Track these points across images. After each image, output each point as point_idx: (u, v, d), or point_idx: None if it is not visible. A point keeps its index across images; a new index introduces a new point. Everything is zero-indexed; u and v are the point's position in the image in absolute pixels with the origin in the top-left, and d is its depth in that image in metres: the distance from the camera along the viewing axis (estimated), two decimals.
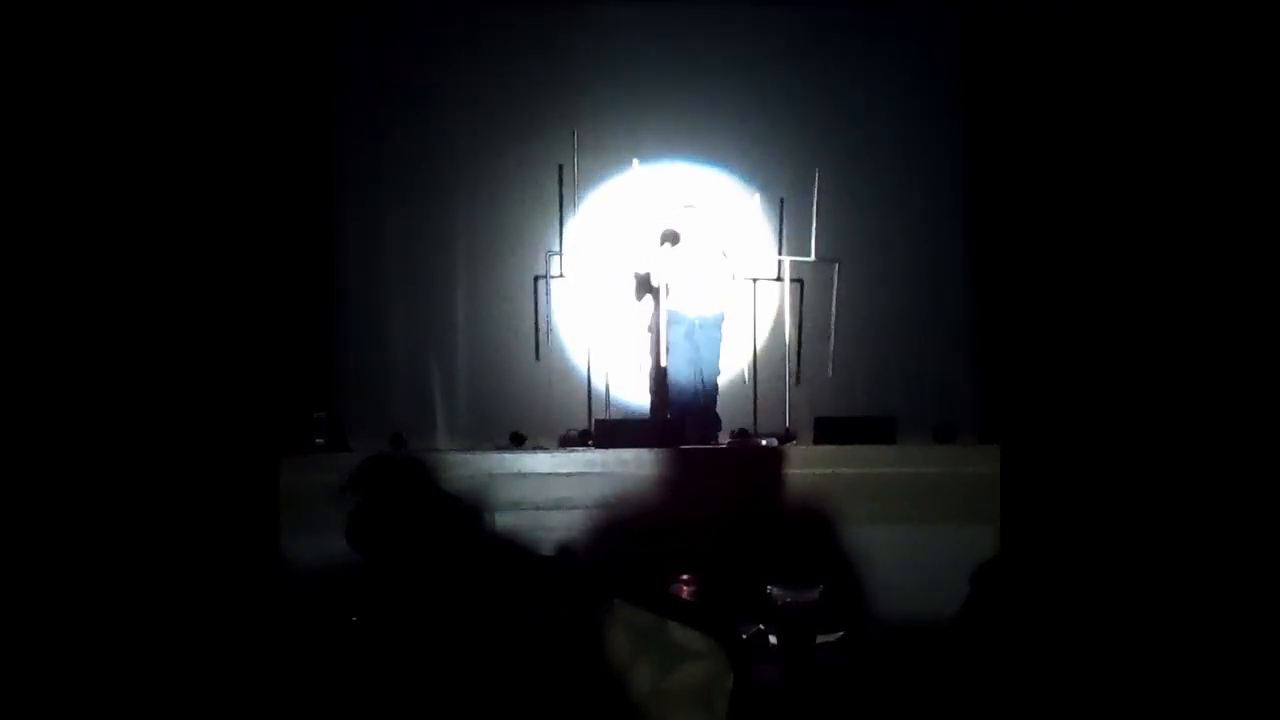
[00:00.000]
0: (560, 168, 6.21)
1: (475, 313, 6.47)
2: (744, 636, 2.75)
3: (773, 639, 2.90)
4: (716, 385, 5.82)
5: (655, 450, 4.39)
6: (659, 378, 5.84)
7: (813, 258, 6.15)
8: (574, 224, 6.19)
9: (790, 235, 6.32)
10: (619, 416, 5.88)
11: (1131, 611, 1.58)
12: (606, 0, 6.60)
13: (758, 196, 6.42)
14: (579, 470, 4.28)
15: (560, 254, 6.14)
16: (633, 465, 4.27)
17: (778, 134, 6.56)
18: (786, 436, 5.70)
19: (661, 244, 6.00)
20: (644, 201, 6.22)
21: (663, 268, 5.75)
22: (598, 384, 6.14)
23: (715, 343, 5.79)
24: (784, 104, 6.55)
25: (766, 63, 6.54)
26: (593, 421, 5.61)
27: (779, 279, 6.31)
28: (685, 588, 3.50)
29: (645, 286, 5.94)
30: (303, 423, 5.04)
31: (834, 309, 6.21)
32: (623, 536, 4.04)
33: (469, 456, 4.55)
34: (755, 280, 6.23)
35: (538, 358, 6.21)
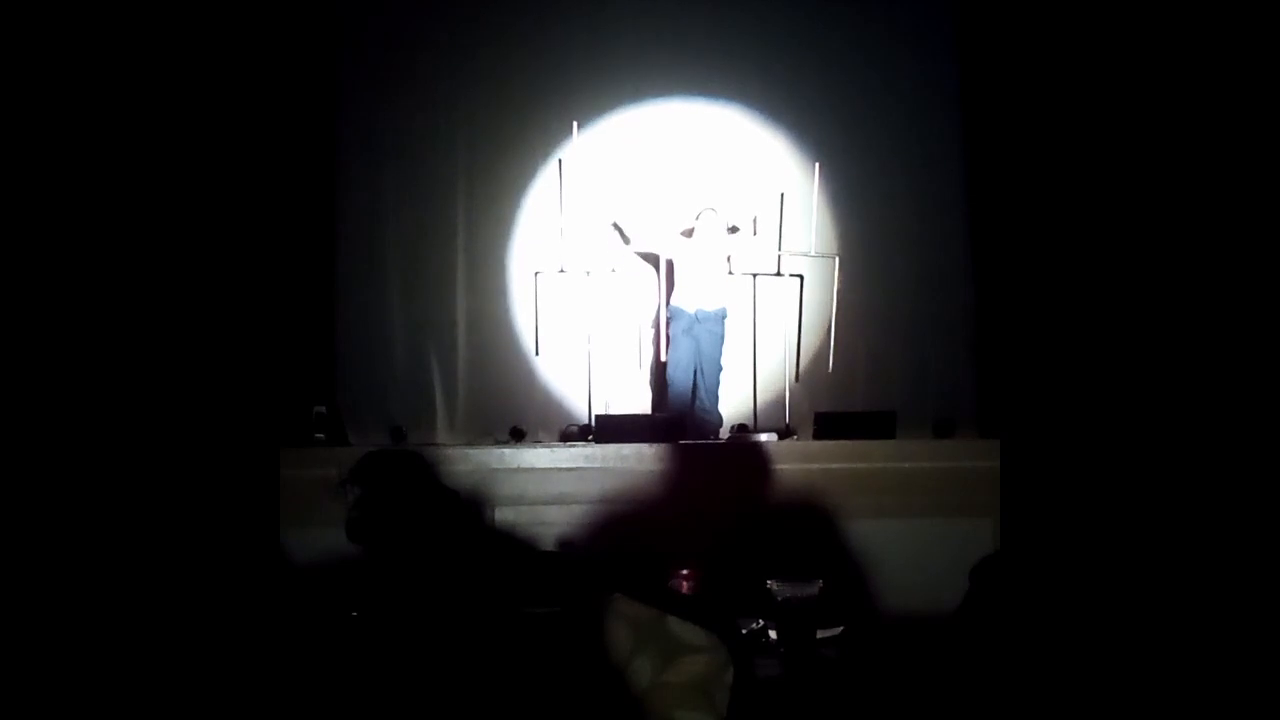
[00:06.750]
0: (560, 162, 6.21)
1: (475, 307, 6.45)
2: (743, 631, 2.75)
3: (772, 634, 2.90)
4: (719, 380, 5.81)
5: (655, 445, 4.39)
6: (659, 373, 5.84)
7: (813, 252, 6.16)
8: (574, 218, 6.19)
9: (790, 230, 6.32)
10: (619, 412, 5.88)
11: (1132, 606, 1.58)
12: None
13: (757, 189, 6.41)
14: (579, 465, 4.27)
15: (560, 248, 6.14)
16: (633, 460, 4.27)
17: (777, 128, 6.55)
18: (786, 431, 5.70)
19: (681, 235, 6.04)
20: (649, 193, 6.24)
21: (669, 246, 5.80)
22: (598, 379, 6.14)
23: (716, 338, 5.78)
24: (783, 98, 6.54)
25: (766, 57, 6.52)
26: (593, 416, 5.61)
27: (779, 274, 6.31)
28: (685, 582, 3.50)
29: (623, 239, 6.10)
30: (303, 417, 5.04)
31: (834, 304, 6.21)
32: (622, 531, 4.04)
33: (469, 451, 4.54)
34: (755, 275, 6.24)
35: (538, 352, 6.21)
